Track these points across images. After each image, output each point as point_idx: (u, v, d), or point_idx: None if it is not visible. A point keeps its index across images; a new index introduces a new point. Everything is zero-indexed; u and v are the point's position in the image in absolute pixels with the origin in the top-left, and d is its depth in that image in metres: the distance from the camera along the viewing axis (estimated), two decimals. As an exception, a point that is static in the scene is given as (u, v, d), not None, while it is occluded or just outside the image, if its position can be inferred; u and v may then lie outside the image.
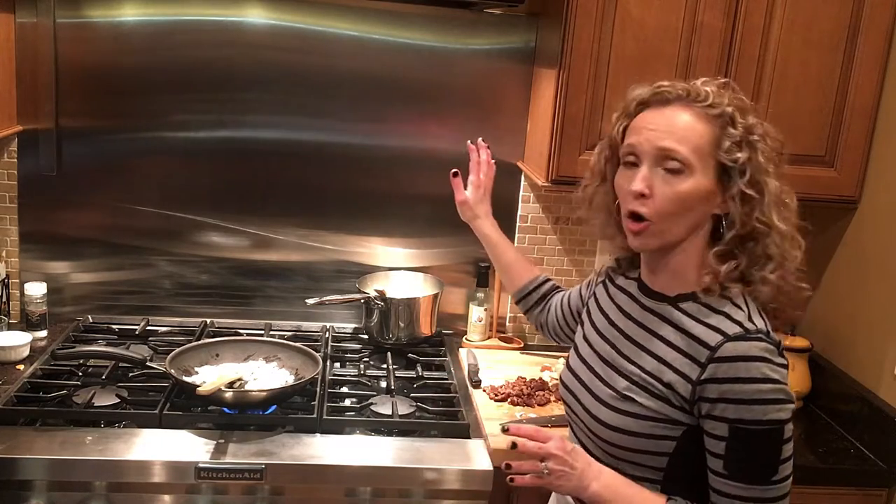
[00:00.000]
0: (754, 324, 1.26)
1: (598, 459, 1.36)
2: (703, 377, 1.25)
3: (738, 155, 1.26)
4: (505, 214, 2.44)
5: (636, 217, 1.30)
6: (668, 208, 1.27)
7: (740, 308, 1.29)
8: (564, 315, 1.71)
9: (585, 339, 1.51)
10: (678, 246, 1.33)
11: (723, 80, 1.34)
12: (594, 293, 1.57)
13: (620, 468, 1.34)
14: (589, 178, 1.46)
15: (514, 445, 1.31)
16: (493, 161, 1.86)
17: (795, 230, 1.31)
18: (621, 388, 1.35)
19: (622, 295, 1.47)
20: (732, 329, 1.25)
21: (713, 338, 1.26)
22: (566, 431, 1.52)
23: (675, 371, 1.29)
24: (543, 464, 1.29)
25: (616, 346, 1.42)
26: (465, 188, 1.84)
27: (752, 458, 1.24)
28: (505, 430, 1.33)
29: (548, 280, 1.82)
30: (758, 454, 1.24)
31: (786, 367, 1.25)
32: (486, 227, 1.84)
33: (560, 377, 1.53)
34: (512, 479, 1.30)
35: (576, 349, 1.52)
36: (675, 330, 1.32)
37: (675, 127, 1.27)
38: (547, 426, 1.96)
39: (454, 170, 1.84)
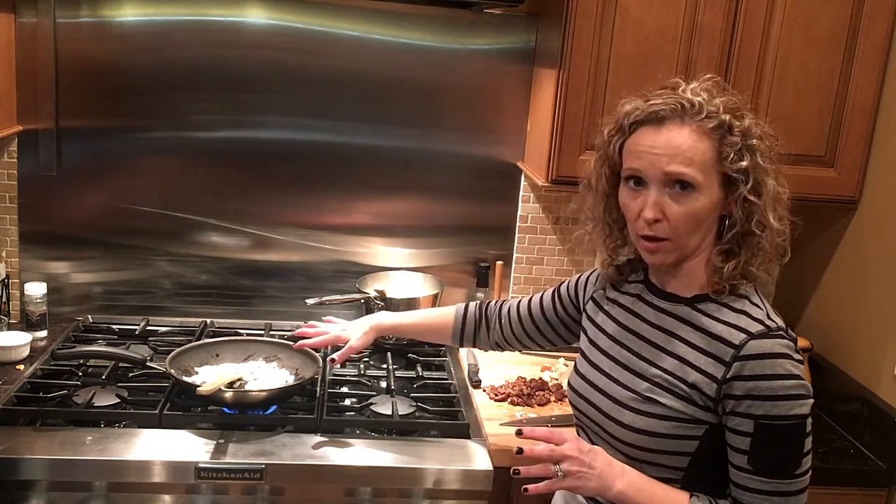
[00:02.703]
0: (774, 321, 1.29)
1: None
2: (728, 375, 1.27)
3: (742, 164, 1.28)
4: (505, 214, 2.47)
5: (651, 237, 1.31)
6: (682, 228, 1.29)
7: (758, 306, 1.31)
8: (533, 319, 1.70)
9: (594, 344, 1.50)
10: (693, 253, 1.34)
11: (707, 77, 1.34)
12: (593, 298, 1.56)
13: (640, 469, 1.35)
14: (590, 196, 1.45)
15: (519, 451, 1.30)
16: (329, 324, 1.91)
17: (787, 225, 1.33)
18: (642, 390, 1.35)
19: (630, 298, 1.47)
20: (755, 327, 1.28)
21: (736, 336, 1.28)
22: (573, 431, 1.52)
23: (699, 371, 1.30)
24: (556, 467, 1.28)
25: (632, 348, 1.41)
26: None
27: (776, 453, 1.26)
28: (519, 434, 1.32)
29: (467, 306, 1.82)
30: (782, 449, 1.26)
31: (802, 363, 1.28)
32: (386, 322, 1.86)
33: (569, 383, 1.53)
34: (526, 490, 1.28)
35: (584, 355, 1.52)
36: (694, 330, 1.33)
37: (678, 149, 1.27)
38: (547, 426, 1.96)
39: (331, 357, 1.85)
